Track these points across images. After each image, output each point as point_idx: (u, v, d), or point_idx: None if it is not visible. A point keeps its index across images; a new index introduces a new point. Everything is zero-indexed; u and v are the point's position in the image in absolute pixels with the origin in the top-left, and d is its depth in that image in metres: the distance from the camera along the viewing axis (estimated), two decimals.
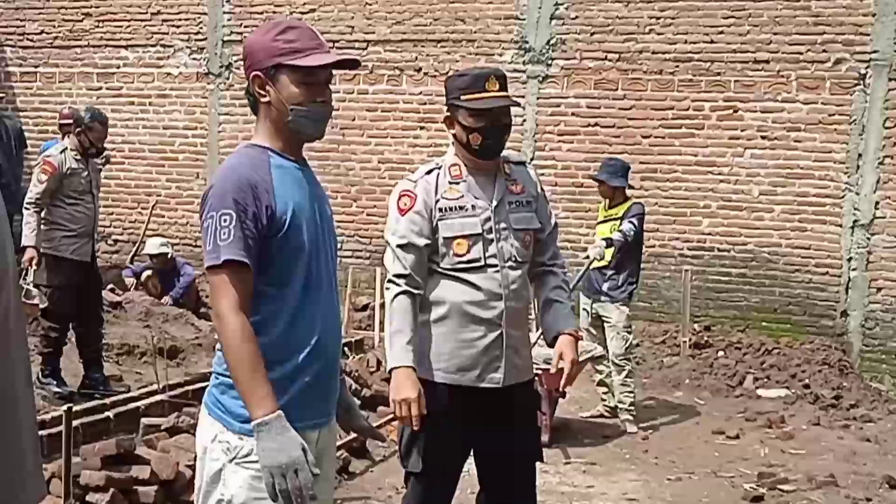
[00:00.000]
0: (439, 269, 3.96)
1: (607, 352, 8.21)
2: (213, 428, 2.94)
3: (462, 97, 3.90)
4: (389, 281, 3.96)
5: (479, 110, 3.86)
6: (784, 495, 6.56)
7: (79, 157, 7.86)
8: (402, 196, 3.97)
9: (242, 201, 2.81)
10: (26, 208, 7.70)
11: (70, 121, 11.09)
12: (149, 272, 11.14)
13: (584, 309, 8.27)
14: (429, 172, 4.02)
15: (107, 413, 6.54)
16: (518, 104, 4.09)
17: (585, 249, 8.54)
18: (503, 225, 3.95)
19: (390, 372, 3.85)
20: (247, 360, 2.77)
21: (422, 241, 3.91)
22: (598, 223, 8.55)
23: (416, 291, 3.91)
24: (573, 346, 3.97)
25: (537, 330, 4.65)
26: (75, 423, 5.29)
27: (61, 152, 7.88)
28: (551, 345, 4.08)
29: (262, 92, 2.92)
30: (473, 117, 3.87)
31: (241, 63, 3.09)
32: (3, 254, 1.80)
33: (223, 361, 2.90)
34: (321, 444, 3.05)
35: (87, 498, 4.97)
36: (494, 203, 3.95)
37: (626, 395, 8.14)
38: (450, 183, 3.96)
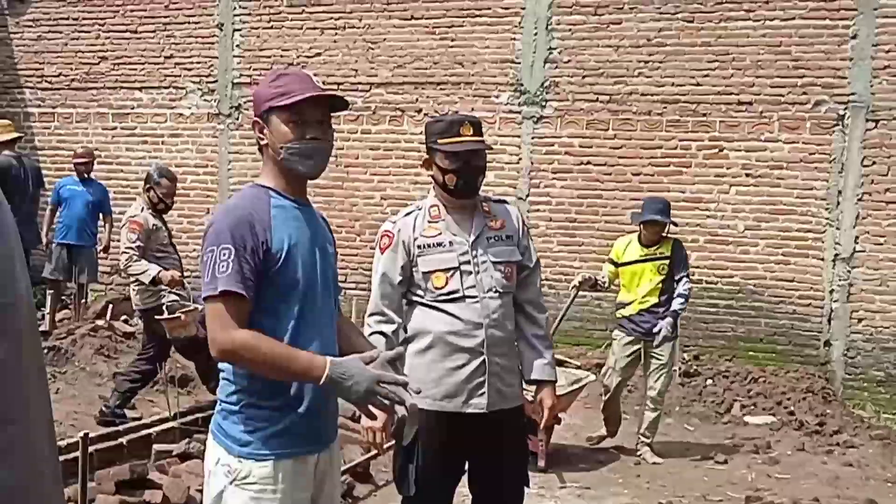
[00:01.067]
0: (421, 302, 4.06)
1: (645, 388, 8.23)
2: (216, 452, 3.00)
3: (438, 141, 4.02)
4: (367, 317, 4.10)
5: (453, 153, 3.97)
6: None
7: (153, 213, 7.90)
8: (383, 236, 4.12)
9: (241, 237, 2.87)
10: (131, 259, 7.74)
11: (84, 159, 11.23)
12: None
13: (624, 346, 8.12)
14: (408, 214, 4.16)
15: (120, 440, 6.56)
16: (489, 148, 4.18)
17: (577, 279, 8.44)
18: (482, 258, 4.04)
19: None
20: (274, 352, 2.83)
21: (397, 277, 4.05)
22: (636, 262, 8.09)
23: (389, 329, 4.04)
24: (552, 395, 4.16)
25: None
26: (91, 448, 5.31)
27: (141, 210, 7.93)
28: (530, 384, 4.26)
29: (262, 136, 3.04)
30: (449, 159, 3.98)
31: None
32: (7, 285, 1.76)
33: (227, 388, 2.97)
34: (321, 468, 3.09)
35: None
36: (472, 238, 4.05)
37: (653, 430, 8.09)
38: (429, 222, 4.07)
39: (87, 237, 11.18)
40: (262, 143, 3.05)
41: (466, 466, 4.23)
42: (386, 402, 2.76)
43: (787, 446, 8.57)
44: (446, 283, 4.00)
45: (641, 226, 8.05)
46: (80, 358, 8.75)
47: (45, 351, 8.60)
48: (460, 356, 3.98)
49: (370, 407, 2.91)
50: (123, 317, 10.52)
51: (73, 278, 10.95)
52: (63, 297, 11.31)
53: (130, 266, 7.71)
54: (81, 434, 4.40)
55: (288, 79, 3.05)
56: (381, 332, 4.01)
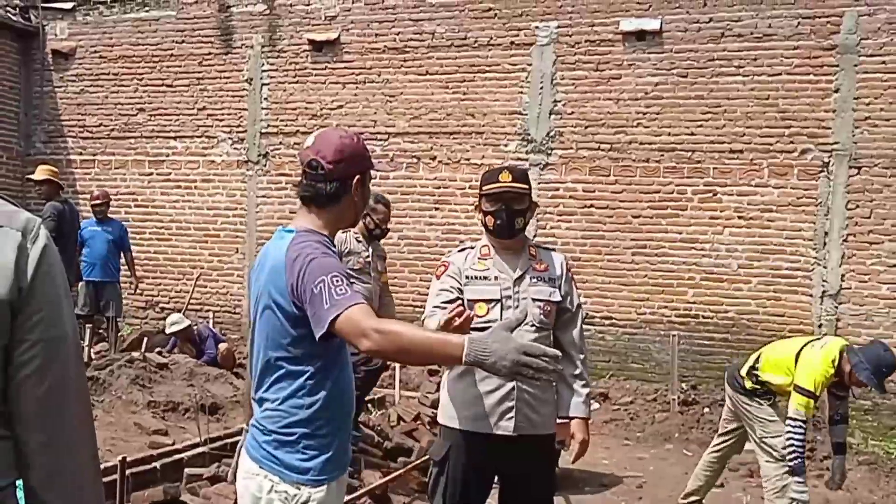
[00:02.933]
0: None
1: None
2: (268, 480, 2.95)
3: (483, 187, 4.14)
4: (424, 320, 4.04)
5: (491, 196, 4.09)
6: None
7: (360, 238, 7.22)
8: (440, 266, 4.24)
9: (342, 269, 2.87)
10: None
11: (99, 201, 11.29)
12: (179, 343, 11.06)
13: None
14: (461, 251, 4.27)
15: (154, 464, 6.51)
16: (525, 191, 4.14)
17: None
18: (523, 294, 4.08)
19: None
20: (417, 336, 2.70)
21: (452, 294, 4.08)
22: None
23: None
24: (585, 430, 4.13)
25: None
26: (127, 472, 5.28)
27: (344, 232, 7.21)
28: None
29: (358, 192, 3.08)
30: (488, 202, 4.10)
31: (334, 166, 3.04)
32: (57, 322, 1.86)
33: (280, 419, 2.95)
34: (340, 492, 3.12)
35: None
36: (516, 276, 4.09)
37: None
38: (479, 259, 4.16)
39: (110, 273, 11.26)
40: (355, 198, 3.07)
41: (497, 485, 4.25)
42: (535, 372, 2.52)
43: None
44: (487, 313, 4.03)
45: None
46: (116, 387, 8.69)
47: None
48: (492, 381, 3.97)
49: None
50: (157, 349, 10.50)
51: (101, 312, 10.98)
52: (99, 332, 11.31)
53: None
54: (119, 458, 4.38)
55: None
56: (437, 308, 3.99)
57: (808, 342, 6.26)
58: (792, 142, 10.49)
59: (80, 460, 1.91)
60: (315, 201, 3.06)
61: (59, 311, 1.87)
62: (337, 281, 2.78)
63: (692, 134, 10.84)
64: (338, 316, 2.71)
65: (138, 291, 12.62)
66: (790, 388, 6.01)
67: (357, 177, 3.05)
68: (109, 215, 11.56)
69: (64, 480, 1.88)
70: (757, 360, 6.43)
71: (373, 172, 3.17)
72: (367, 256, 7.29)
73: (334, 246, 3.07)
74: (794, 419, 5.86)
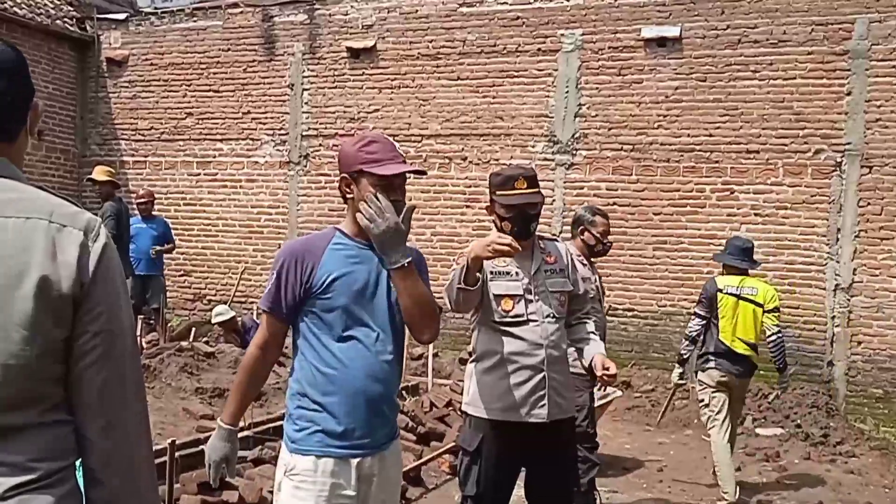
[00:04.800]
0: (490, 324, 4.06)
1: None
2: (283, 448, 3.14)
3: (497, 192, 4.08)
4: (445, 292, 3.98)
5: (508, 205, 4.04)
6: None
7: (585, 262, 5.91)
8: (460, 257, 4.05)
9: (285, 266, 3.07)
10: None
11: (144, 200, 11.34)
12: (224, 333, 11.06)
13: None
14: None
15: (201, 447, 6.52)
16: (539, 195, 4.12)
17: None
18: (541, 288, 4.07)
19: (466, 268, 3.81)
20: (238, 380, 3.21)
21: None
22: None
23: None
24: (604, 357, 4.15)
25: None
26: (176, 454, 5.29)
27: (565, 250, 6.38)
28: (588, 367, 4.26)
29: (348, 190, 3.12)
30: (505, 209, 4.05)
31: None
32: (116, 315, 1.89)
33: (289, 390, 3.16)
34: (365, 471, 3.09)
35: None
36: (532, 271, 4.08)
37: None
38: None
39: (154, 267, 11.32)
40: (347, 195, 3.13)
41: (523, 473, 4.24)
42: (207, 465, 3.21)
43: (794, 455, 8.45)
44: (513, 307, 4.01)
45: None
46: (166, 375, 8.73)
47: None
48: (524, 373, 3.98)
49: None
50: (204, 338, 10.54)
51: (147, 304, 11.05)
52: (150, 322, 11.37)
53: None
54: (168, 442, 4.39)
55: (378, 146, 3.09)
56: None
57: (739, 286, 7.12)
58: (806, 142, 10.38)
59: (136, 443, 1.94)
60: (345, 199, 3.20)
61: (118, 305, 1.90)
62: (270, 279, 3.13)
63: (710, 135, 10.75)
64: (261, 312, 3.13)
65: (186, 284, 12.68)
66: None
67: (343, 177, 3.13)
68: (153, 213, 11.60)
69: (121, 462, 1.90)
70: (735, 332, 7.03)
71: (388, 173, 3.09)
72: (596, 281, 6.08)
73: (352, 238, 3.13)
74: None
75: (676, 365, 7.43)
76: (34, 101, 1.99)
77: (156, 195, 11.80)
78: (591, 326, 4.32)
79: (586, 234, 6.02)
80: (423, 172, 3.50)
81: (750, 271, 7.32)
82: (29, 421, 1.83)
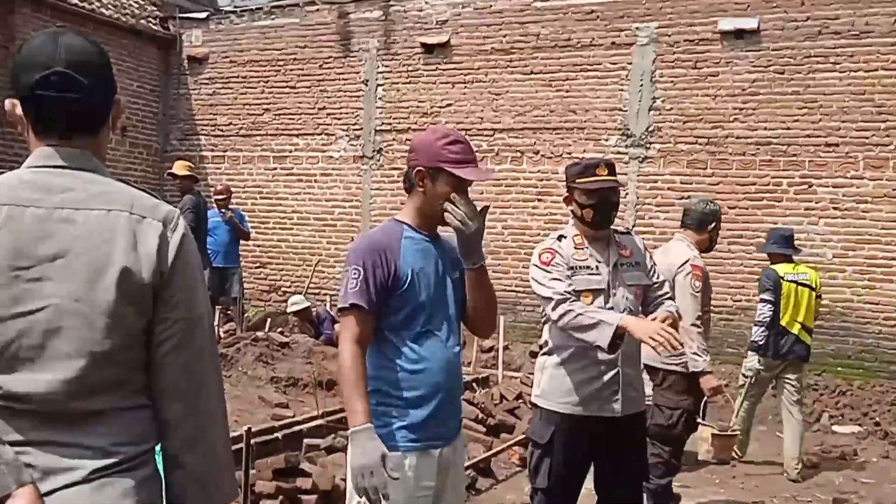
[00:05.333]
0: None
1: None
2: None
3: (577, 180, 3.97)
4: (555, 308, 3.84)
5: (589, 191, 3.92)
6: None
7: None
8: (544, 253, 4.02)
9: (371, 261, 2.93)
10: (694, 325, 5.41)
11: (223, 195, 11.39)
12: (298, 322, 11.07)
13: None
14: (559, 238, 4.07)
15: (276, 434, 6.54)
16: (618, 184, 4.04)
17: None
18: (618, 282, 3.98)
19: (617, 331, 3.72)
20: (350, 382, 2.86)
21: (566, 276, 3.93)
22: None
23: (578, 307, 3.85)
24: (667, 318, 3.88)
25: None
26: (252, 441, 5.29)
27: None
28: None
29: (421, 184, 3.01)
30: (586, 196, 3.94)
31: (408, 153, 3.12)
32: (194, 303, 1.95)
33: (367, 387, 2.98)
34: (444, 461, 3.06)
35: (261, 503, 4.98)
36: (611, 265, 3.98)
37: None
38: (575, 248, 4.00)
39: (232, 259, 11.36)
40: (419, 188, 3.03)
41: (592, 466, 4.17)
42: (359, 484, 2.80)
43: (872, 454, 8.19)
44: (592, 302, 3.91)
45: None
46: (242, 364, 8.78)
47: None
48: (598, 367, 3.92)
49: None
50: (279, 329, 10.56)
51: (225, 295, 11.10)
52: (228, 313, 11.45)
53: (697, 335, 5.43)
54: (245, 429, 4.39)
55: (461, 147, 3.01)
56: (573, 303, 3.83)
57: None
58: (888, 135, 10.06)
59: (214, 427, 2.00)
60: (406, 190, 3.14)
61: (196, 294, 1.96)
62: (355, 273, 2.94)
63: (788, 128, 10.47)
64: (341, 311, 2.98)
65: (262, 275, 12.75)
66: None
67: (419, 169, 3.01)
68: (230, 206, 11.65)
69: (201, 445, 1.97)
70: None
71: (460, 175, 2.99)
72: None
73: (418, 232, 3.05)
74: None
75: (751, 353, 7.44)
76: (116, 98, 2.03)
77: (233, 189, 11.83)
78: (665, 300, 4.15)
79: (716, 231, 5.80)
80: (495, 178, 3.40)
81: (794, 258, 7.68)
82: (111, 406, 1.89)
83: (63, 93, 1.91)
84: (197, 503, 1.98)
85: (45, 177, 1.91)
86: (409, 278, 2.95)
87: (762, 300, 7.41)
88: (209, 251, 11.25)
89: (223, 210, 11.36)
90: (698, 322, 5.41)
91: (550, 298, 3.86)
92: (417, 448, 2.97)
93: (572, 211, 4.05)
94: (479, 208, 3.03)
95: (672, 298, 4.24)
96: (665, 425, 5.45)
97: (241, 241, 11.63)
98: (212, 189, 12.57)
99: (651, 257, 4.21)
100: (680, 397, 5.43)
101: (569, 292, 3.84)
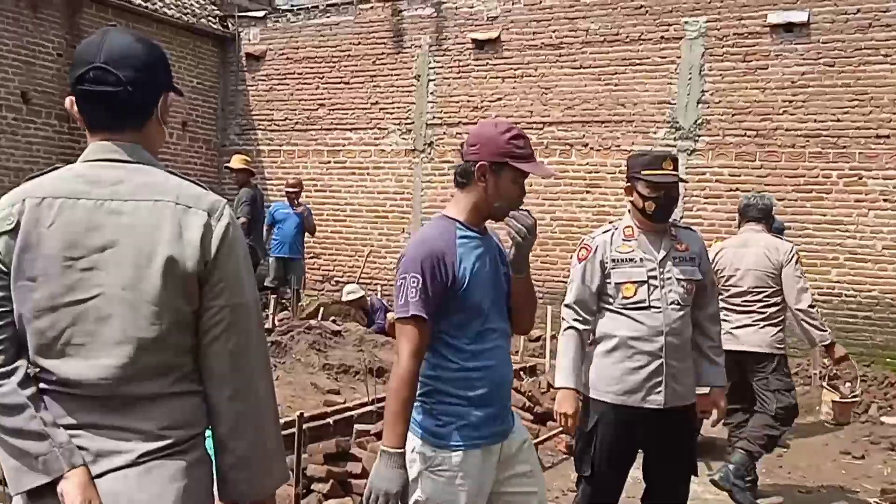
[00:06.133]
0: (611, 308, 3.97)
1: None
2: (413, 441, 2.91)
3: (642, 172, 3.89)
4: (565, 310, 4.03)
5: (655, 184, 3.85)
6: None
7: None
8: (582, 248, 4.06)
9: (429, 267, 2.80)
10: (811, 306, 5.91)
11: (295, 189, 11.42)
12: (352, 311, 11.06)
13: None
14: (605, 232, 4.06)
15: (328, 419, 6.54)
16: (685, 181, 4.00)
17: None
18: (668, 275, 3.92)
19: (557, 390, 3.97)
20: (399, 400, 2.75)
21: (594, 285, 3.96)
22: None
23: (582, 327, 3.96)
24: (722, 396, 4.15)
25: None
26: (304, 426, 5.30)
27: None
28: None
29: (482, 178, 2.90)
30: (650, 188, 3.87)
31: (465, 146, 2.97)
32: (240, 291, 1.97)
33: (423, 387, 2.90)
34: (504, 455, 3.00)
35: (312, 487, 4.99)
36: (660, 257, 3.93)
37: None
38: (623, 240, 3.98)
39: (296, 251, 11.44)
40: (479, 183, 2.91)
41: (641, 455, 4.14)
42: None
43: None
44: (635, 293, 3.89)
45: None
46: (296, 351, 8.82)
47: (269, 345, 8.71)
48: (642, 358, 3.87)
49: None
50: (332, 318, 10.58)
51: (287, 285, 11.15)
52: (283, 301, 11.51)
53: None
54: (297, 414, 4.41)
55: (524, 142, 2.93)
56: (574, 328, 3.97)
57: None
58: None
59: (261, 412, 2.02)
60: (455, 181, 3.01)
61: (241, 281, 1.98)
62: (414, 282, 2.80)
63: (838, 120, 10.25)
64: (400, 320, 2.82)
65: (316, 266, 12.82)
66: None
67: (482, 163, 2.87)
68: (300, 201, 11.72)
69: (248, 429, 1.99)
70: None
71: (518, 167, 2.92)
72: None
73: (471, 229, 2.95)
74: None
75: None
76: (165, 94, 2.06)
77: (294, 184, 11.85)
78: (713, 338, 4.12)
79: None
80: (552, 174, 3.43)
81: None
82: (161, 390, 1.93)
83: (100, 86, 1.94)
84: (244, 487, 2.01)
85: (96, 170, 1.95)
86: (467, 280, 2.86)
87: None
88: (274, 241, 11.36)
89: (296, 203, 11.43)
90: (812, 302, 5.89)
91: (567, 304, 3.99)
92: (482, 445, 2.91)
93: (632, 202, 3.98)
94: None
95: (716, 319, 4.20)
96: (791, 405, 5.94)
97: (306, 234, 11.69)
98: (275, 181, 12.69)
99: (707, 256, 4.14)
100: (791, 378, 6.04)
101: (572, 309, 3.97)
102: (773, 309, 5.96)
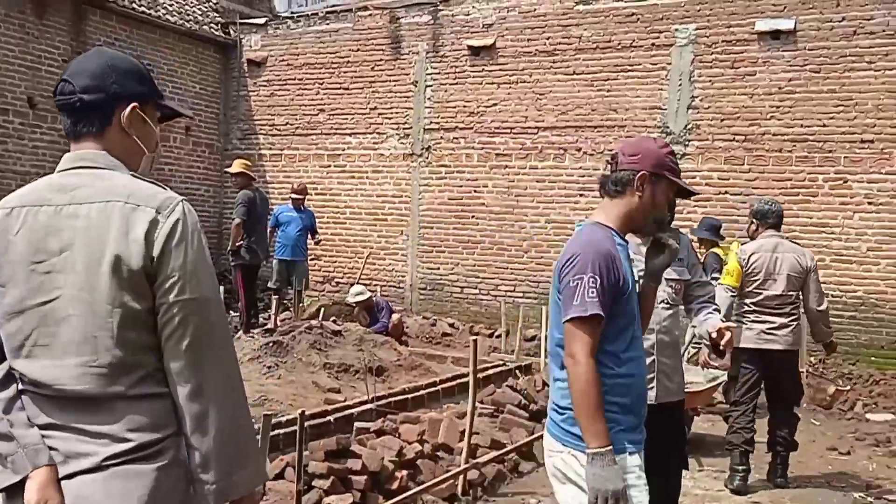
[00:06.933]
0: None
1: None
2: (570, 456, 2.82)
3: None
4: None
5: (680, 191, 3.68)
6: None
7: None
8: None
9: (605, 268, 2.76)
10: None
11: (300, 195, 11.45)
12: (357, 311, 11.11)
13: None
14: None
15: (328, 417, 6.58)
16: (697, 193, 4.00)
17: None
18: None
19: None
20: (592, 399, 2.70)
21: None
22: None
23: None
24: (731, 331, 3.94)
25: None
26: (305, 424, 5.33)
27: None
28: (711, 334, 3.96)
29: (640, 189, 2.91)
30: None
31: (622, 155, 2.95)
32: (194, 287, 1.91)
33: (567, 395, 2.81)
34: (641, 461, 2.96)
35: (313, 483, 5.00)
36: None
37: None
38: None
39: (300, 253, 11.44)
40: (637, 193, 2.91)
41: None
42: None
43: None
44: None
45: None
46: (297, 350, 8.83)
47: (270, 344, 8.76)
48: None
49: None
50: (332, 318, 10.63)
51: (290, 286, 11.19)
52: (284, 302, 11.56)
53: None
54: (298, 412, 4.41)
55: (675, 159, 3.02)
56: None
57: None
58: None
59: (223, 410, 1.93)
60: (603, 188, 2.97)
61: (196, 277, 1.91)
62: (592, 282, 2.74)
63: (824, 125, 10.32)
64: (574, 320, 2.74)
65: (316, 267, 12.87)
66: None
67: (643, 173, 2.88)
68: (304, 206, 11.75)
69: (210, 428, 1.90)
70: None
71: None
72: None
73: (622, 237, 2.93)
74: None
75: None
76: (128, 102, 2.03)
77: (299, 189, 11.84)
78: (707, 300, 4.15)
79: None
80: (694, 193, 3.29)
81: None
82: (125, 391, 1.89)
83: (62, 96, 2.01)
84: (212, 487, 1.92)
85: (64, 178, 1.97)
86: (630, 286, 2.86)
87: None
88: (278, 243, 11.38)
89: (302, 208, 11.47)
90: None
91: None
92: (637, 450, 2.90)
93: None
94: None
95: (712, 300, 4.20)
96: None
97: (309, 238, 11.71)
98: (277, 185, 12.69)
99: (695, 254, 4.18)
100: None
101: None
102: (798, 310, 6.37)
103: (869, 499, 6.24)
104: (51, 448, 1.87)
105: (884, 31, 10.00)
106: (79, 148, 2.02)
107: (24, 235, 1.92)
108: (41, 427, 1.89)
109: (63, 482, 1.86)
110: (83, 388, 1.87)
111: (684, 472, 4.24)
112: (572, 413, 2.78)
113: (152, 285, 1.88)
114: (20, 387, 1.94)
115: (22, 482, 1.86)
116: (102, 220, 1.88)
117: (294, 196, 11.49)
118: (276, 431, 5.82)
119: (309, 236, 11.61)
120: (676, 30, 11.16)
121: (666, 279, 3.89)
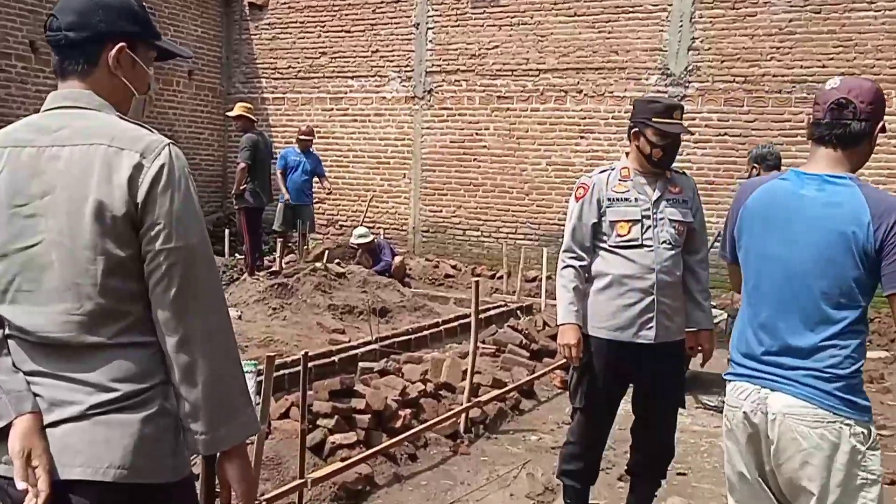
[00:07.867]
0: (605, 247, 3.98)
1: None
2: (844, 425, 2.62)
3: (654, 119, 3.85)
4: (562, 253, 4.06)
5: (664, 133, 3.84)
6: (883, 438, 6.14)
7: None
8: (580, 187, 4.05)
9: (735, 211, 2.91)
10: None
11: (307, 137, 11.36)
12: (360, 253, 11.10)
13: None
14: (602, 171, 4.06)
15: (333, 358, 6.61)
16: (692, 133, 3.98)
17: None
18: (660, 215, 3.92)
19: (559, 326, 3.99)
20: None
21: (588, 221, 3.97)
22: None
23: (578, 263, 3.98)
24: (709, 339, 4.07)
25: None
26: (309, 364, 5.34)
27: None
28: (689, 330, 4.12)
29: (874, 141, 2.80)
30: (659, 136, 3.84)
31: (860, 103, 2.71)
32: (180, 234, 1.82)
33: (848, 364, 2.63)
34: None
35: (318, 422, 5.03)
36: (654, 197, 3.93)
37: None
38: (619, 180, 3.97)
39: (305, 197, 11.33)
40: (872, 144, 2.76)
41: (631, 388, 4.18)
42: None
43: None
44: (629, 232, 3.91)
45: None
46: (302, 292, 8.85)
47: (275, 286, 8.77)
48: (634, 294, 3.90)
49: None
50: (336, 260, 10.63)
51: (296, 229, 11.16)
52: (289, 245, 11.54)
53: None
54: (302, 353, 4.40)
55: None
56: (572, 266, 3.98)
57: None
58: None
59: (213, 359, 1.87)
60: (842, 141, 2.70)
61: (182, 223, 1.83)
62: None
63: (823, 66, 10.21)
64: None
65: (320, 210, 12.85)
66: None
67: (881, 123, 2.72)
68: (311, 149, 11.64)
69: (198, 377, 1.84)
70: None
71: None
72: None
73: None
74: None
75: None
76: (117, 42, 1.93)
77: (306, 132, 11.73)
78: (701, 281, 4.11)
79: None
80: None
81: None
82: (108, 340, 1.82)
83: (50, 32, 1.92)
84: (201, 438, 1.87)
85: (47, 118, 1.89)
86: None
87: None
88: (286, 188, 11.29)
89: (309, 151, 11.38)
90: None
91: (565, 247, 4.03)
92: None
93: (637, 146, 3.93)
94: None
95: (706, 261, 4.18)
96: None
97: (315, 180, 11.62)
98: (280, 128, 12.58)
99: (699, 202, 4.10)
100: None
101: (569, 249, 4.00)
102: None
103: None
104: (36, 395, 1.82)
105: None
106: (65, 87, 1.94)
107: (6, 177, 1.84)
108: (27, 374, 1.84)
109: (48, 430, 1.80)
110: (66, 336, 1.82)
111: (681, 410, 4.27)
112: (850, 381, 2.60)
113: (137, 232, 1.80)
114: (6, 332, 1.87)
115: (7, 429, 1.80)
116: (85, 163, 1.80)
117: (301, 138, 11.38)
118: (281, 372, 5.87)
119: (318, 181, 11.55)
120: None
121: (670, 220, 3.92)
